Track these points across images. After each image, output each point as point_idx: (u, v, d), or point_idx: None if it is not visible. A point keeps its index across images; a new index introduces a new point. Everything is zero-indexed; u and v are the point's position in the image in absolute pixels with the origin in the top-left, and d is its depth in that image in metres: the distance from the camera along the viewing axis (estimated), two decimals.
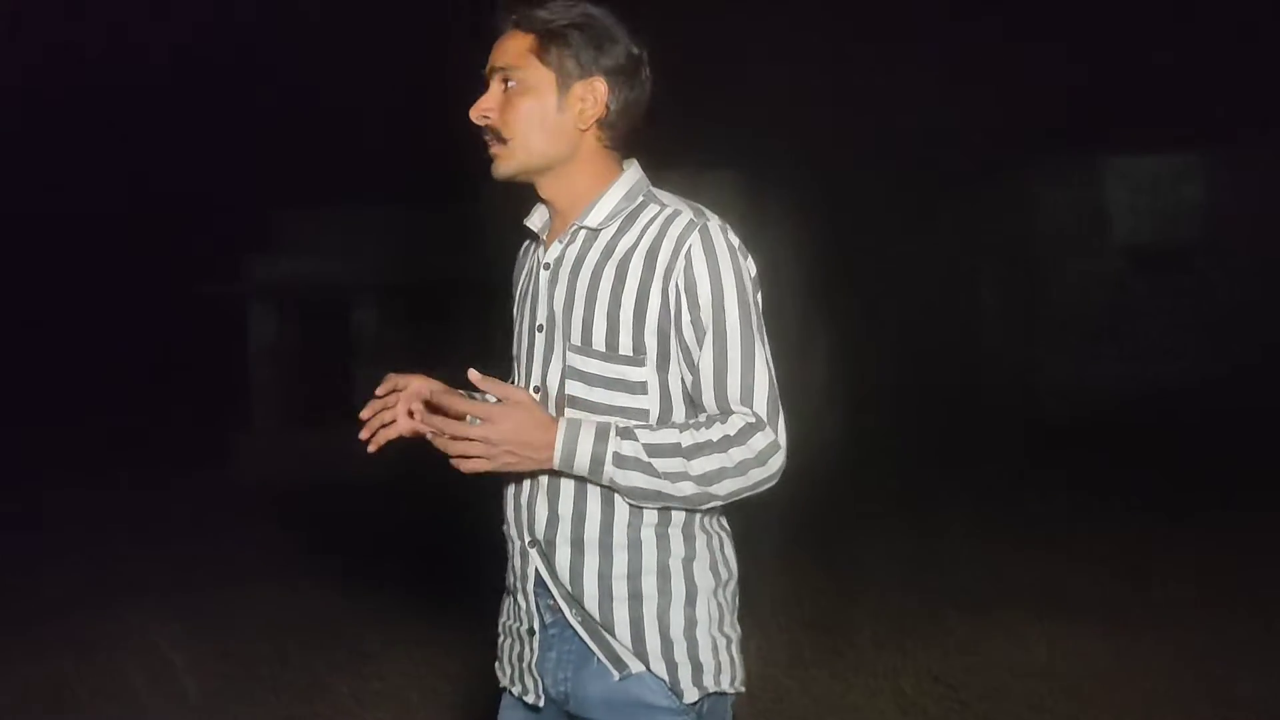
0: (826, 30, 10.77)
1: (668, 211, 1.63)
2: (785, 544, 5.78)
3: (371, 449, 1.79)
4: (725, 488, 1.56)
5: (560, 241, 1.70)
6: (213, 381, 11.91)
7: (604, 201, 1.67)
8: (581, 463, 1.56)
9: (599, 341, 1.62)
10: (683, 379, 1.62)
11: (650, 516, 1.62)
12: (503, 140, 1.66)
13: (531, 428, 1.56)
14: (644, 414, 1.61)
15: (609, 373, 1.62)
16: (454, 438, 1.56)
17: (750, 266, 1.64)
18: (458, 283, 9.79)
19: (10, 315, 13.39)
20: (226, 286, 10.58)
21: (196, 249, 12.19)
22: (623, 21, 1.68)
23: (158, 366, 13.60)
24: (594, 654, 1.63)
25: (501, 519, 1.74)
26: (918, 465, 8.07)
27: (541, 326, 1.70)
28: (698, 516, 1.64)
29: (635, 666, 1.62)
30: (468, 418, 1.59)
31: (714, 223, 1.61)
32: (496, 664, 1.82)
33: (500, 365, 1.76)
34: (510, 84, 1.65)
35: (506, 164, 1.68)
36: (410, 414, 1.77)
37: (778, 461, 1.57)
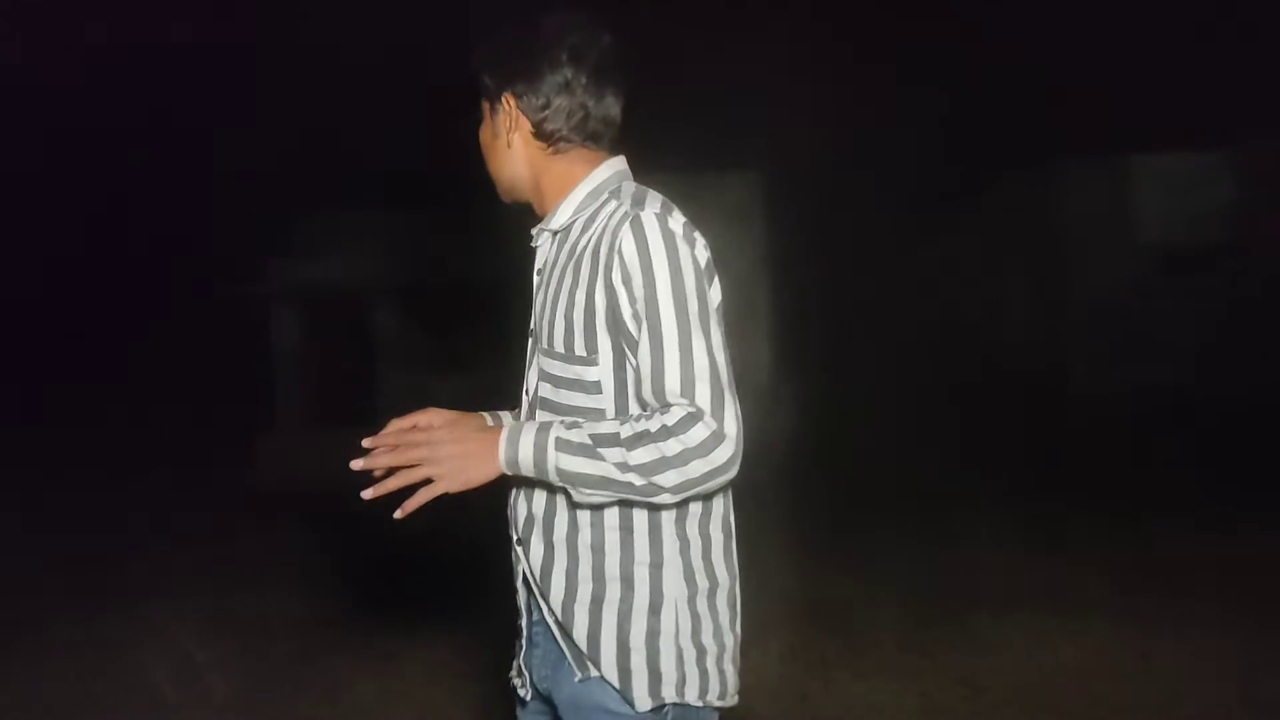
0: (851, 25, 10.75)
1: (616, 205, 1.62)
2: (808, 545, 5.77)
3: (368, 495, 1.66)
4: (669, 479, 1.48)
5: (542, 248, 1.77)
6: (235, 383, 11.98)
7: (566, 204, 1.71)
8: (525, 454, 1.54)
9: (559, 343, 1.64)
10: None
11: (613, 518, 1.61)
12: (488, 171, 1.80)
13: (471, 435, 1.59)
14: (600, 414, 1.61)
15: (567, 373, 1.63)
16: (399, 455, 1.59)
17: (699, 254, 1.58)
18: (474, 284, 9.81)
19: (30, 319, 13.52)
20: (247, 288, 10.64)
21: (217, 251, 12.27)
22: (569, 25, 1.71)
23: (180, 369, 13.69)
24: (564, 653, 1.66)
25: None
26: (942, 466, 8.03)
27: (531, 332, 1.74)
28: (669, 522, 1.61)
29: (593, 671, 1.62)
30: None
31: (649, 211, 1.57)
32: None
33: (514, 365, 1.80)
34: None
35: (498, 191, 1.82)
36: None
37: (724, 453, 1.48)
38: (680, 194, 1.78)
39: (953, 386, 10.87)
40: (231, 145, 12.96)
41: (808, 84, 10.16)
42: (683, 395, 1.50)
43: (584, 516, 1.62)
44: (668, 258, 1.54)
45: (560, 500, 1.63)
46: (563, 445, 1.53)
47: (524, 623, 1.77)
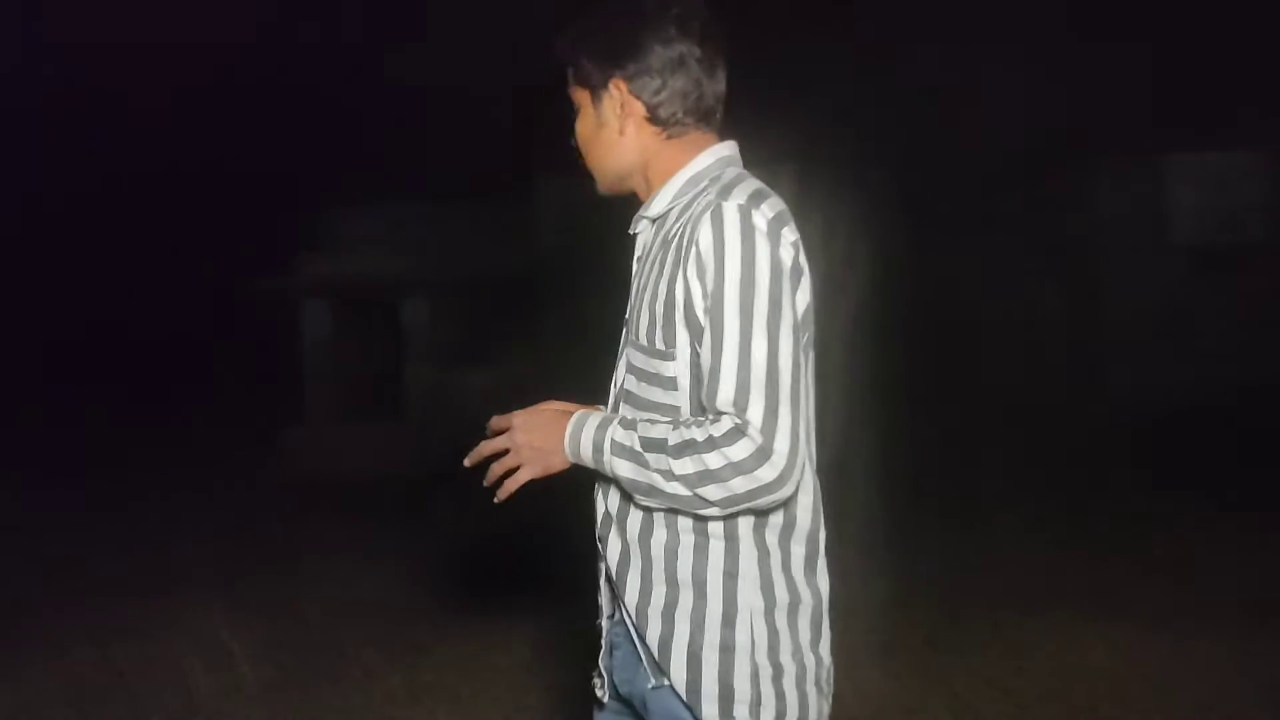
0: (884, 25, 10.68)
1: (709, 195, 1.53)
2: (839, 542, 5.74)
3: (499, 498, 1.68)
4: (712, 494, 1.41)
5: (641, 236, 1.69)
6: (266, 375, 12.07)
7: (665, 190, 1.62)
8: (585, 452, 1.53)
9: (644, 335, 1.57)
10: None
11: (687, 521, 1.51)
12: (588, 165, 1.70)
13: (545, 425, 1.58)
14: (675, 410, 1.53)
15: (649, 367, 1.56)
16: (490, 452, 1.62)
17: (783, 253, 1.46)
18: (509, 279, 9.84)
19: (62, 310, 13.68)
20: (279, 281, 10.72)
21: (249, 244, 12.35)
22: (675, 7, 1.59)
23: (210, 360, 13.81)
24: (640, 657, 1.59)
25: None
26: (972, 466, 7.98)
27: (626, 321, 1.67)
28: (748, 530, 1.51)
29: (665, 679, 1.54)
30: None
31: (732, 202, 1.46)
32: None
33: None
34: (577, 114, 1.69)
35: (598, 185, 1.72)
36: None
37: (770, 472, 1.38)
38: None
39: (985, 384, 10.79)
40: (257, 140, 13.06)
41: (843, 81, 10.12)
42: (734, 404, 1.41)
43: (658, 516, 1.54)
44: (741, 253, 1.43)
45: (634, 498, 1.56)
46: (616, 448, 1.49)
47: (603, 622, 1.70)
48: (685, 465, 1.42)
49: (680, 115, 1.60)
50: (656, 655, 1.54)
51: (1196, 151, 11.80)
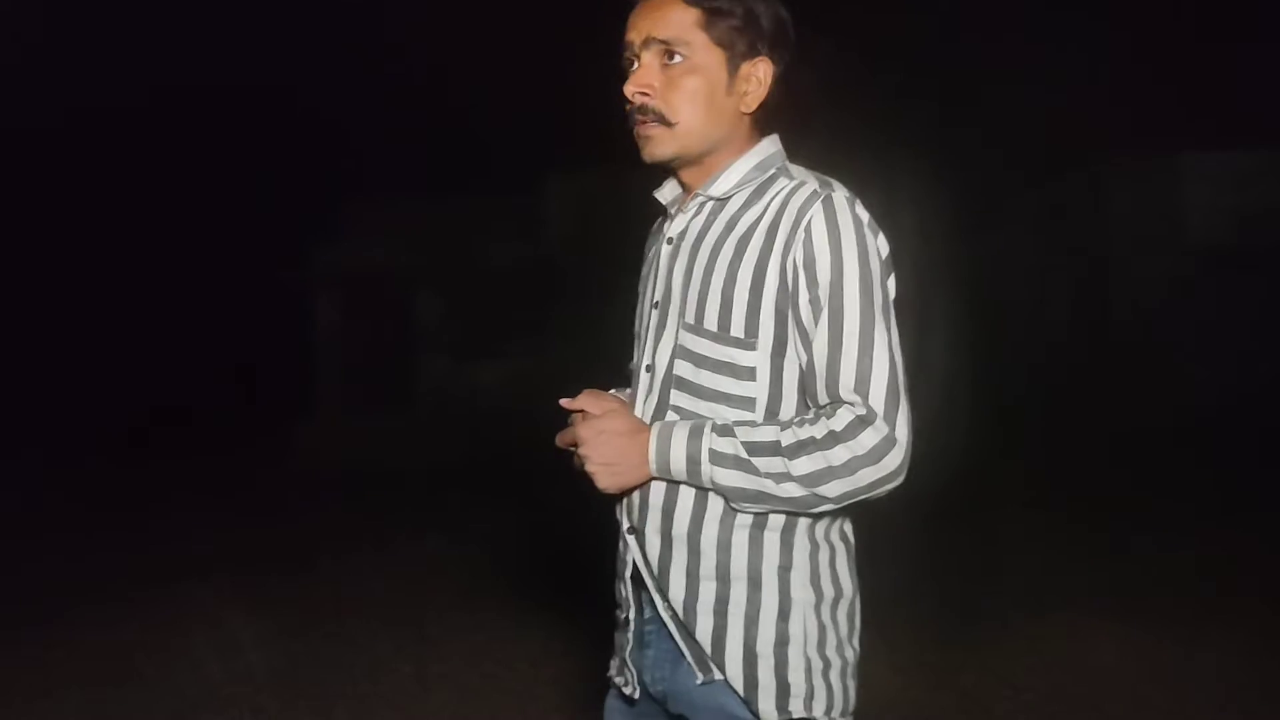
0: (903, 27, 10.65)
1: (795, 184, 1.50)
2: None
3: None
4: (834, 489, 1.41)
5: (685, 214, 1.60)
6: (278, 367, 12.11)
7: (732, 170, 1.56)
8: (678, 465, 1.47)
9: (711, 321, 1.50)
10: (800, 367, 1.48)
11: (744, 517, 1.49)
12: (667, 123, 1.54)
13: (620, 444, 1.51)
14: (750, 402, 1.49)
15: (718, 355, 1.50)
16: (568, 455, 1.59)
17: (881, 245, 1.48)
18: (518, 269, 9.85)
19: (75, 299, 13.74)
20: (297, 272, 10.75)
21: (266, 235, 12.39)
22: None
23: (225, 350, 13.85)
24: (684, 653, 1.54)
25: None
26: (985, 463, 7.96)
27: (658, 303, 1.60)
28: (802, 523, 1.50)
29: (717, 674, 1.51)
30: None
31: (840, 194, 1.46)
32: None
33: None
34: (675, 59, 1.53)
35: (665, 146, 1.56)
36: None
37: (895, 459, 1.40)
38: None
39: (998, 383, 10.76)
40: (271, 126, 13.08)
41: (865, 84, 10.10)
42: (856, 392, 1.41)
43: (712, 510, 1.50)
44: (858, 244, 1.44)
45: (684, 491, 1.51)
46: (716, 458, 1.45)
47: (629, 617, 1.63)
48: (803, 465, 1.41)
49: (787, 109, 1.60)
50: (709, 651, 1.51)
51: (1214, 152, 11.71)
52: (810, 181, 1.50)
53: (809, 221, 1.44)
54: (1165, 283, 11.75)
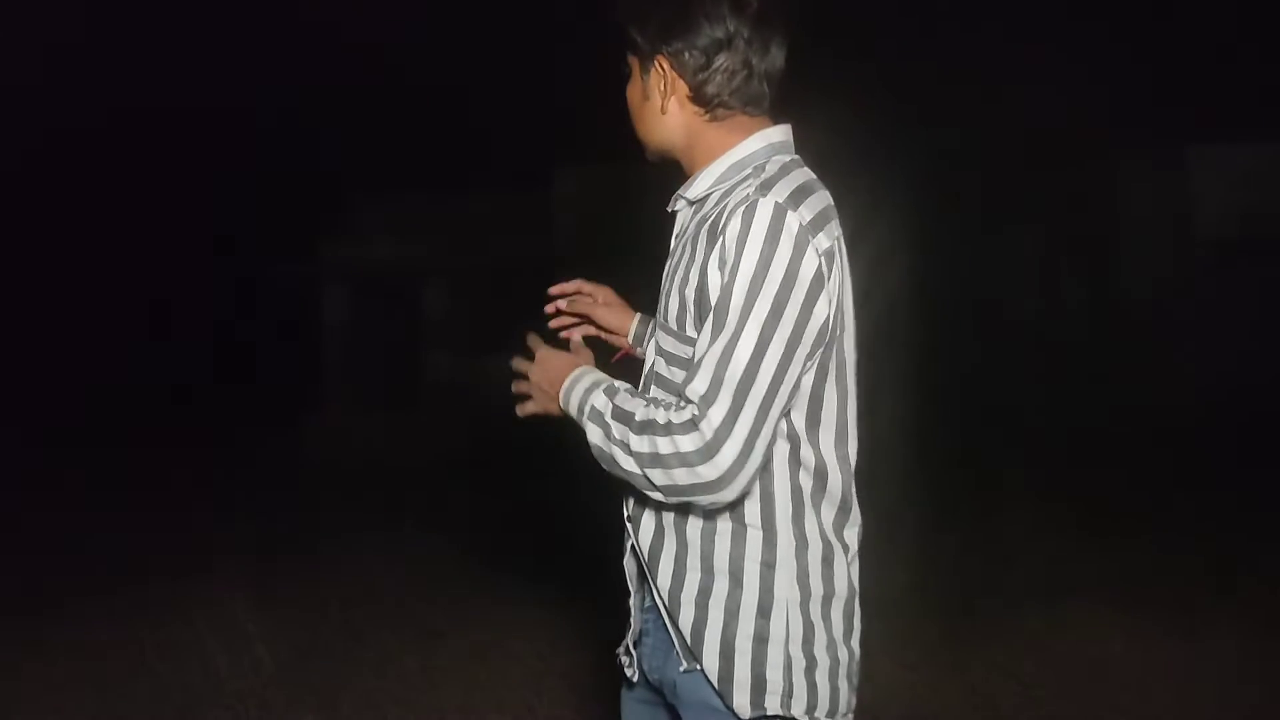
0: (910, 20, 10.62)
1: (747, 186, 1.48)
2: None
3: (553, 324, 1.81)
4: (658, 478, 1.40)
5: (681, 215, 1.64)
6: (287, 362, 12.13)
7: (706, 174, 1.56)
8: (572, 409, 1.54)
9: (673, 319, 1.54)
10: None
11: (725, 509, 1.49)
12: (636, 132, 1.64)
13: (554, 370, 1.59)
14: None
15: (679, 351, 1.53)
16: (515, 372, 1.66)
17: (808, 259, 1.40)
18: (525, 264, 9.85)
19: (83, 297, 13.78)
20: (302, 267, 10.77)
21: (271, 229, 12.40)
22: None
23: (231, 347, 13.88)
24: (674, 641, 1.56)
25: None
26: (993, 457, 7.95)
27: (657, 302, 1.64)
28: (786, 519, 1.50)
29: (695, 664, 1.52)
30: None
31: (771, 198, 1.41)
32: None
33: None
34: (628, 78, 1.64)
35: (646, 152, 1.65)
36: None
37: (711, 472, 1.37)
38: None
39: (1006, 375, 10.75)
40: (277, 128, 13.09)
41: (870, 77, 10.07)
42: (701, 398, 1.38)
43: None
44: (762, 251, 1.39)
45: None
46: (592, 414, 1.49)
47: (631, 602, 1.66)
48: (641, 444, 1.41)
49: (725, 97, 1.53)
50: (689, 641, 1.52)
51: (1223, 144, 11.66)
52: (755, 183, 1.47)
53: (726, 224, 1.43)
54: (1173, 277, 11.72)
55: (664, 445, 1.39)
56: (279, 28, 12.26)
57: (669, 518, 1.54)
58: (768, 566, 1.49)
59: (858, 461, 1.61)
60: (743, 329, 1.38)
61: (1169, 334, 11.51)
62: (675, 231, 1.65)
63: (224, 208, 14.02)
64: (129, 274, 14.17)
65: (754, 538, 1.49)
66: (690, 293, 1.49)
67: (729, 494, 1.40)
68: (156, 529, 6.74)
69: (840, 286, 1.50)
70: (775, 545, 1.49)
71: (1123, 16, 10.90)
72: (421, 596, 5.21)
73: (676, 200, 1.63)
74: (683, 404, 1.41)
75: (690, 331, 1.50)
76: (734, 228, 1.41)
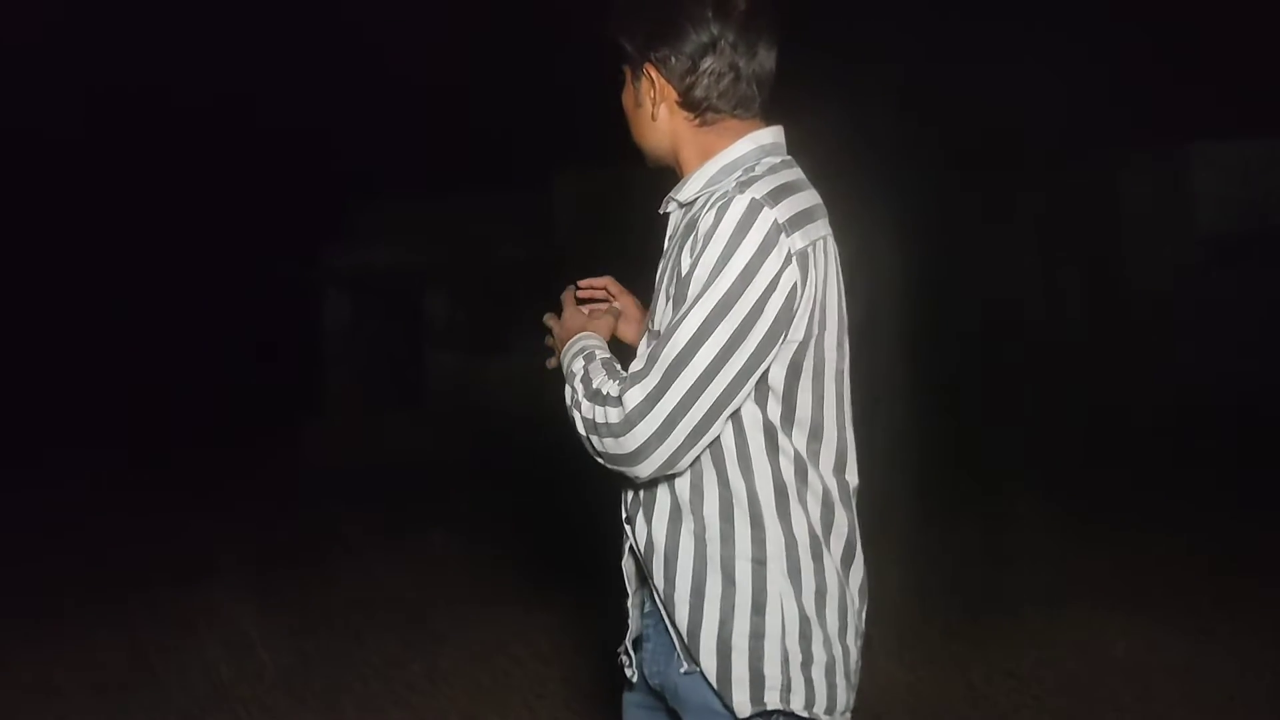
0: (912, 18, 10.62)
1: (731, 186, 1.50)
2: (857, 532, 5.73)
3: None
4: (596, 444, 1.48)
5: (672, 218, 1.66)
6: (287, 364, 12.14)
7: (696, 177, 1.58)
8: (564, 368, 1.62)
9: (658, 323, 1.55)
10: None
11: (713, 507, 1.51)
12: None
13: (569, 330, 1.67)
14: None
15: None
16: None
17: (776, 256, 1.42)
18: (526, 265, 9.86)
19: (86, 300, 13.79)
20: (305, 270, 10.78)
21: (273, 234, 12.41)
22: None
23: (235, 347, 13.88)
24: (674, 643, 1.57)
25: None
26: (994, 457, 7.95)
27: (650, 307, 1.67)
28: (771, 514, 1.51)
29: (695, 666, 1.53)
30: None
31: (748, 195, 1.43)
32: None
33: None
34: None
35: (645, 158, 1.69)
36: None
37: (624, 447, 1.44)
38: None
39: (1006, 374, 10.74)
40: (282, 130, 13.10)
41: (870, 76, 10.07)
42: (634, 374, 1.45)
43: (684, 502, 1.53)
44: (728, 242, 1.41)
45: (663, 483, 1.54)
46: (569, 376, 1.58)
47: (630, 602, 1.69)
48: (587, 409, 1.49)
49: (713, 100, 1.55)
50: (686, 641, 1.53)
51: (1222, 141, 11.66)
52: (735, 183, 1.49)
53: (701, 219, 1.47)
54: (1177, 275, 11.71)
55: (599, 414, 1.46)
56: (277, 28, 12.27)
57: (660, 519, 1.56)
58: (759, 563, 1.51)
59: (853, 466, 1.62)
60: (689, 314, 1.42)
61: (1178, 333, 11.50)
62: (668, 234, 1.66)
63: (225, 209, 14.03)
64: (129, 275, 14.18)
65: (742, 535, 1.51)
66: (672, 289, 1.52)
67: (644, 469, 1.45)
68: (158, 532, 6.74)
69: (821, 286, 1.50)
70: (765, 542, 1.51)
71: (1125, 13, 10.90)
72: (424, 600, 5.21)
73: (668, 203, 1.64)
74: (623, 378, 1.48)
75: None
76: (707, 221, 1.44)
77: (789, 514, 1.52)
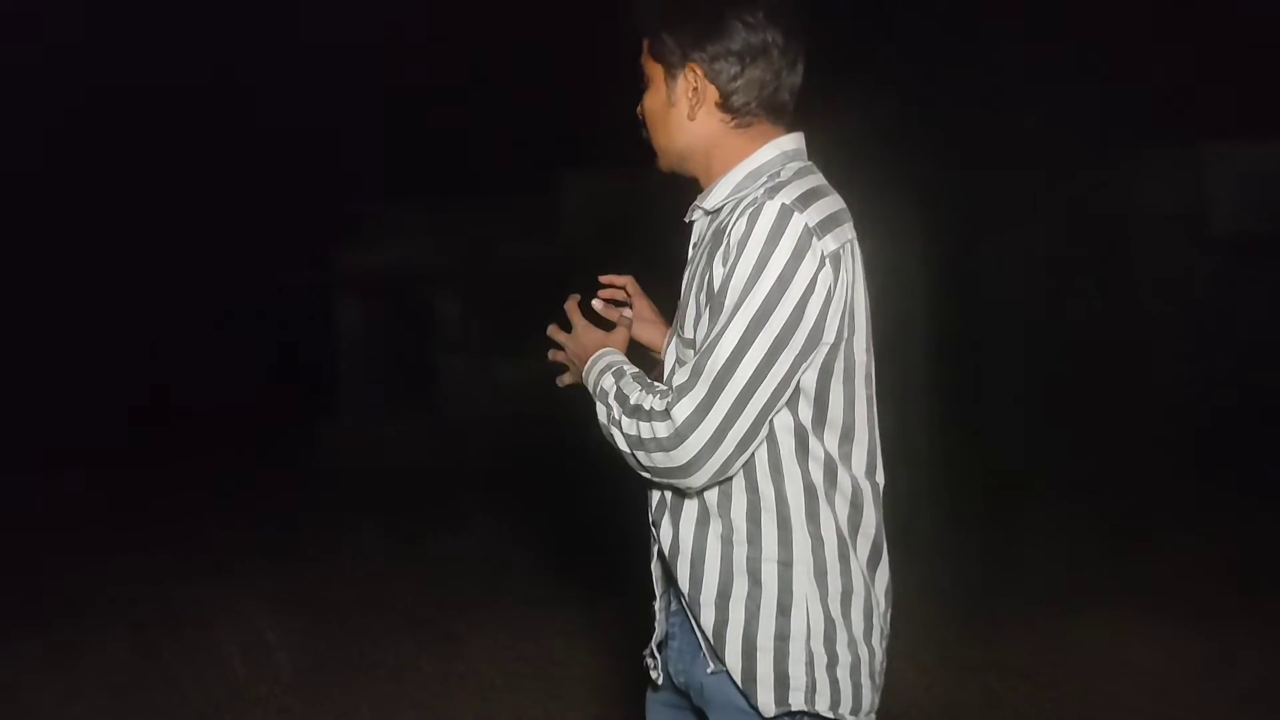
0: (914, 17, 10.58)
1: (760, 191, 1.50)
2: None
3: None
4: (642, 460, 1.48)
5: (697, 226, 1.65)
6: (303, 368, 12.17)
7: (724, 183, 1.57)
8: (590, 385, 1.60)
9: (689, 329, 1.55)
10: None
11: (739, 509, 1.52)
12: (652, 140, 1.66)
13: (587, 347, 1.64)
14: None
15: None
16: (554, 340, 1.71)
17: (809, 261, 1.42)
18: (537, 268, 9.86)
19: (98, 302, 13.85)
20: (312, 276, 10.81)
21: (284, 239, 12.44)
22: None
23: (248, 353, 13.93)
24: (699, 643, 1.58)
25: None
26: (1009, 459, 7.92)
27: (676, 313, 1.66)
28: (801, 518, 1.51)
29: (721, 666, 1.54)
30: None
31: (778, 201, 1.43)
32: None
33: None
34: (646, 86, 1.64)
35: (660, 162, 1.67)
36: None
37: (680, 458, 1.43)
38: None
39: (1023, 375, 10.69)
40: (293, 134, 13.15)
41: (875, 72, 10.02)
42: (680, 387, 1.44)
43: (711, 505, 1.53)
44: (762, 249, 1.42)
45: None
46: (599, 393, 1.56)
47: (657, 604, 1.70)
48: (630, 426, 1.48)
49: (753, 106, 1.55)
50: (712, 641, 1.54)
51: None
52: (765, 188, 1.49)
53: (732, 226, 1.46)
54: (1197, 275, 11.64)
55: (645, 430, 1.45)
56: (286, 27, 12.31)
57: (686, 521, 1.57)
58: (784, 565, 1.51)
59: (882, 469, 1.62)
60: (729, 324, 1.42)
61: (1198, 333, 11.43)
62: (692, 241, 1.66)
63: (231, 214, 14.08)
64: (135, 279, 14.24)
65: (769, 537, 1.52)
66: (702, 298, 1.52)
67: (698, 480, 1.46)
68: (173, 534, 6.76)
69: (850, 289, 1.51)
70: (791, 544, 1.52)
71: (1132, 12, 10.84)
72: (437, 602, 5.21)
73: (694, 210, 1.64)
74: (665, 391, 1.48)
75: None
76: (739, 229, 1.44)
77: (817, 517, 1.52)
